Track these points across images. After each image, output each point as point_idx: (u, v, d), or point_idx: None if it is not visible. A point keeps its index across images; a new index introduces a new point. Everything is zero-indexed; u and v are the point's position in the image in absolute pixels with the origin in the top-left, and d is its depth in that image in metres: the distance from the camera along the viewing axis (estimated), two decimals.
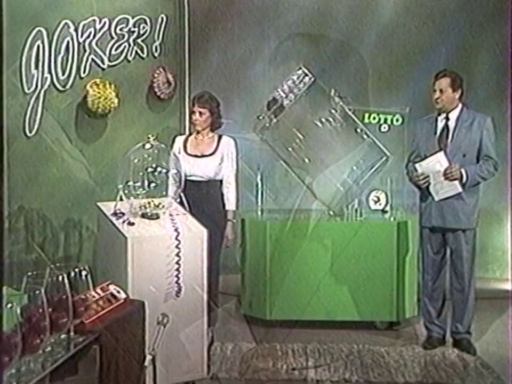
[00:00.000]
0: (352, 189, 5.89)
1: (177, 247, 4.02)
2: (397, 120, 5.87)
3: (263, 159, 6.09)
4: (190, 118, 5.69)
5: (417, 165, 5.07)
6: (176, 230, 4.08)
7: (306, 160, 6.11)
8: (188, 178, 5.24)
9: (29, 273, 2.26)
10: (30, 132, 5.56)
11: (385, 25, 7.27)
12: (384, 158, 5.77)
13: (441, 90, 5.01)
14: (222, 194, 5.42)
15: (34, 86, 5.53)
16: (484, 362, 4.88)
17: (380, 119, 5.90)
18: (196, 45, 6.52)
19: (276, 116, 5.90)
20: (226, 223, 5.39)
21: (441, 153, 4.95)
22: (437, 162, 4.95)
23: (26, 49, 5.46)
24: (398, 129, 5.88)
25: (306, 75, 5.88)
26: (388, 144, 5.80)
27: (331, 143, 6.02)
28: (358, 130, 5.84)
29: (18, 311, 2.02)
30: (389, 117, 5.89)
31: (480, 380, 4.61)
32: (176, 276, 4.02)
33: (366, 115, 5.90)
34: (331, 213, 5.88)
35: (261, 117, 5.95)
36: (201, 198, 5.27)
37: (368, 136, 5.81)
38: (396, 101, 6.48)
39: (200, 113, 5.40)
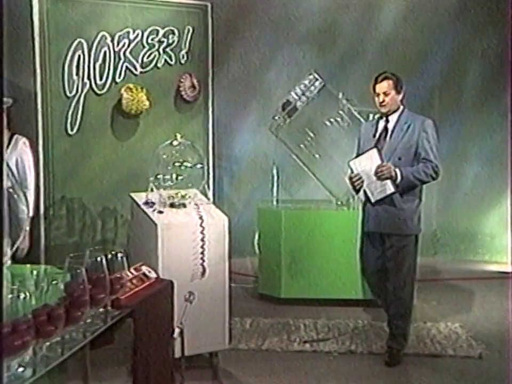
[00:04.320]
0: None
1: (201, 233, 4.04)
2: None
3: (278, 155, 6.10)
4: None
5: (351, 163, 4.42)
6: (200, 217, 4.09)
7: (317, 156, 6.13)
8: None
9: (71, 255, 2.29)
10: (72, 130, 5.63)
11: (386, 35, 7.27)
12: None
13: (385, 93, 4.28)
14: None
15: (75, 90, 5.60)
16: (474, 336, 4.88)
17: None
18: (218, 53, 6.52)
19: (289, 116, 5.91)
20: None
21: (374, 150, 4.26)
22: (369, 160, 4.26)
23: (68, 58, 5.53)
24: None
25: (317, 79, 5.88)
26: None
27: (339, 141, 6.02)
28: None
29: (62, 287, 2.05)
30: None
31: (470, 350, 4.61)
32: (201, 258, 4.04)
33: (371, 115, 5.89)
34: (338, 202, 5.89)
35: (276, 117, 5.97)
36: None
37: None
38: None
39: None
